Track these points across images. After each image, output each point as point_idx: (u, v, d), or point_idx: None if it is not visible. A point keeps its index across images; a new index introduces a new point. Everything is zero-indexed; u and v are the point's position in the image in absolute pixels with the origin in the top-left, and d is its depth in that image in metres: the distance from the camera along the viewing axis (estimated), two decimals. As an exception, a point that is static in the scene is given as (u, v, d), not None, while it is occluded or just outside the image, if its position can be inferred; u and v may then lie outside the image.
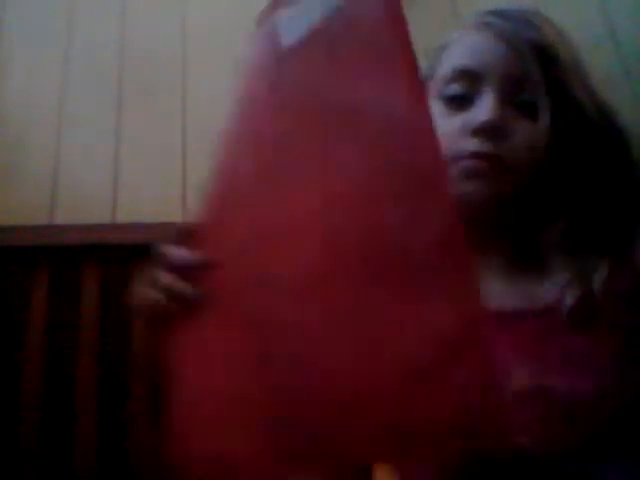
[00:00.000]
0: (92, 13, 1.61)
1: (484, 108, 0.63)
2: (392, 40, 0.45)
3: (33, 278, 1.35)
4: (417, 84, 0.42)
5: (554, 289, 0.60)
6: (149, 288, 0.55)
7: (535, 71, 0.63)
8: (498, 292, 0.61)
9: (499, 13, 0.69)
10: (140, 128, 1.51)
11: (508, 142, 0.62)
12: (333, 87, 0.41)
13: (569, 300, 0.58)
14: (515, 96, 0.64)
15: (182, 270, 0.53)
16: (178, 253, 0.54)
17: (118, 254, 1.38)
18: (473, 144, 0.62)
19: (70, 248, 1.37)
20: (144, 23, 1.62)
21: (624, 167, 0.65)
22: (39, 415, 1.25)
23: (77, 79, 1.54)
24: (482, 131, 0.62)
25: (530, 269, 0.64)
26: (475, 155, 0.62)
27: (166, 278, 0.54)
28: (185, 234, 0.55)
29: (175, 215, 1.42)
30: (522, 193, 0.64)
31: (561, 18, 1.82)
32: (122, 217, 1.41)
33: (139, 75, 1.56)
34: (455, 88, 0.66)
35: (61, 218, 1.40)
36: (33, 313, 1.32)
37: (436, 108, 0.67)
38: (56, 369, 1.28)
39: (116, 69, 1.55)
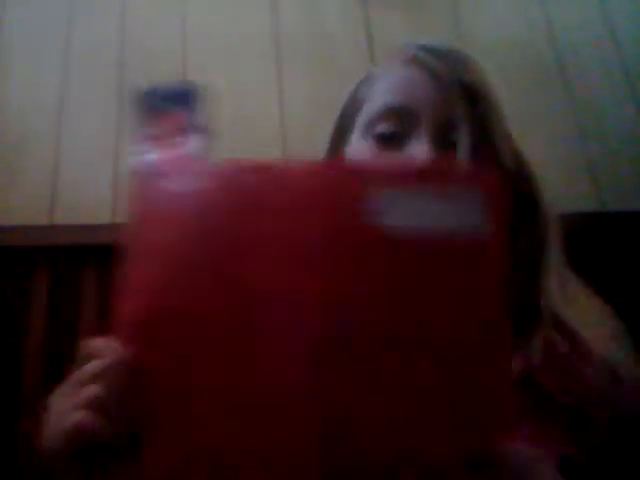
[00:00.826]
0: (92, 13, 1.61)
1: (419, 150, 0.61)
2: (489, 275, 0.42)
3: (33, 278, 1.35)
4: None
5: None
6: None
7: (461, 112, 0.62)
8: None
9: (429, 49, 0.68)
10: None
11: None
12: (415, 294, 0.42)
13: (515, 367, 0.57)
14: (445, 137, 0.62)
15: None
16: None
17: (118, 254, 1.37)
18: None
19: (70, 248, 1.37)
20: (144, 23, 1.62)
21: (532, 216, 0.65)
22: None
23: (77, 79, 1.54)
24: None
25: None
26: None
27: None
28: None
29: (175, 215, 1.42)
30: None
31: (561, 18, 1.83)
32: (122, 217, 1.41)
33: (139, 75, 1.56)
34: (386, 126, 0.64)
35: (61, 218, 1.40)
36: (33, 313, 1.32)
37: (364, 144, 0.66)
38: (56, 369, 1.28)
39: (116, 69, 1.55)
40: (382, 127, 0.65)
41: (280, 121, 1.55)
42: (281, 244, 0.43)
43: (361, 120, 0.68)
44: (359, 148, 0.66)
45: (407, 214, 0.42)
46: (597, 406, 0.56)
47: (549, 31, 1.69)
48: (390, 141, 0.64)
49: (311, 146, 1.56)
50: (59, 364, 1.37)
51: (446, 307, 0.41)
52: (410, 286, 0.41)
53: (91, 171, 1.46)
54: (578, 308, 0.63)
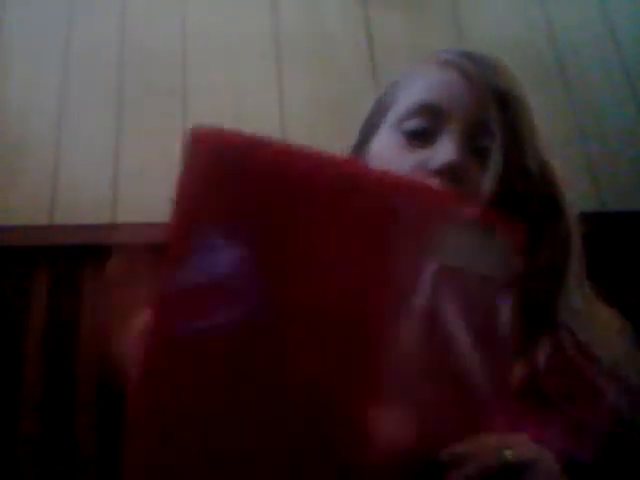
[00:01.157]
0: (92, 13, 1.61)
1: (447, 148, 0.61)
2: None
3: (33, 278, 1.35)
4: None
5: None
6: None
7: (494, 118, 0.63)
8: None
9: (464, 54, 0.68)
10: (140, 127, 1.51)
11: (464, 186, 0.61)
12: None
13: (513, 381, 0.58)
14: (473, 140, 0.63)
15: None
16: None
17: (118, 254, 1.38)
18: (432, 184, 0.60)
19: (70, 248, 1.37)
20: (144, 23, 1.62)
21: (555, 221, 0.66)
22: (39, 414, 1.25)
23: (77, 79, 1.54)
24: (443, 172, 0.61)
25: None
26: None
27: None
28: None
29: (175, 215, 1.42)
30: None
31: (561, 18, 1.83)
32: (122, 217, 1.41)
33: (139, 75, 1.56)
34: (417, 122, 0.64)
35: (61, 218, 1.40)
36: (33, 313, 1.32)
37: (392, 139, 0.66)
38: (56, 369, 1.28)
39: (116, 69, 1.55)
40: (413, 123, 0.65)
41: (280, 121, 1.55)
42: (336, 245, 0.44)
43: (391, 116, 0.68)
44: (387, 143, 0.67)
45: (456, 252, 0.46)
46: (601, 412, 0.57)
47: (549, 31, 1.69)
48: (419, 138, 0.64)
49: (311, 146, 1.56)
50: (59, 364, 1.39)
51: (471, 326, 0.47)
52: (436, 316, 0.46)
53: (91, 171, 1.46)
54: (595, 319, 0.64)
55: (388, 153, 0.66)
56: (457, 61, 0.67)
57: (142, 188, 1.45)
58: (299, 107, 1.57)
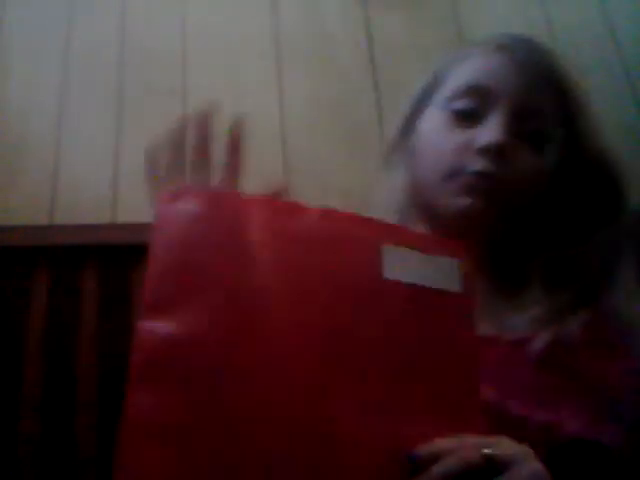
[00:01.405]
0: (92, 13, 1.61)
1: (493, 128, 0.61)
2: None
3: (33, 278, 1.35)
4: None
5: (528, 322, 0.59)
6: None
7: (549, 103, 0.63)
8: (482, 315, 0.61)
9: (519, 38, 0.68)
10: (140, 128, 1.51)
11: (509, 167, 0.61)
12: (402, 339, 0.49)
13: (540, 341, 0.57)
14: (524, 123, 0.62)
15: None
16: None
17: (118, 254, 1.38)
18: (477, 163, 0.61)
19: (70, 248, 1.37)
20: (144, 23, 1.62)
21: (614, 213, 0.65)
22: (39, 414, 1.25)
23: (77, 79, 1.54)
24: (488, 151, 0.61)
25: (508, 297, 0.63)
26: (478, 174, 0.61)
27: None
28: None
29: (175, 215, 1.42)
30: (515, 219, 0.63)
31: (561, 18, 1.83)
32: (122, 217, 1.41)
33: (139, 75, 1.56)
34: (465, 103, 0.65)
35: (61, 218, 1.40)
36: (33, 313, 1.32)
37: (440, 118, 0.66)
38: (56, 369, 1.28)
39: (116, 69, 1.55)
40: (461, 103, 0.65)
41: (280, 121, 1.55)
42: (289, 275, 0.47)
43: (439, 96, 0.68)
44: (434, 122, 0.67)
45: (403, 270, 0.50)
46: (634, 393, 0.56)
47: (549, 31, 1.69)
48: (466, 118, 0.64)
49: (311, 146, 1.57)
50: (59, 363, 1.39)
51: (426, 341, 0.49)
52: (398, 328, 0.49)
53: (91, 171, 1.46)
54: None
55: (435, 133, 0.66)
56: (509, 45, 0.66)
57: (142, 188, 1.44)
58: (299, 107, 1.57)
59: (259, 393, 0.44)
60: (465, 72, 0.67)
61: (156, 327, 0.45)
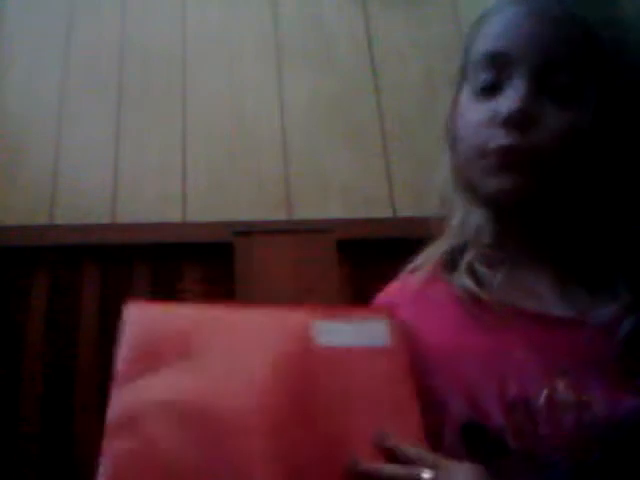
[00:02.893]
0: (92, 13, 1.61)
1: (511, 96, 0.58)
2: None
3: (33, 278, 1.35)
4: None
5: (613, 308, 0.56)
6: None
7: (578, 52, 0.57)
8: (554, 298, 0.59)
9: None
10: (140, 128, 1.51)
11: (538, 131, 0.57)
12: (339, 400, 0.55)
13: (627, 326, 0.56)
14: (552, 79, 0.57)
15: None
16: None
17: (118, 254, 1.38)
18: (500, 136, 0.58)
19: (70, 248, 1.38)
20: (144, 23, 1.62)
21: None
22: (39, 414, 1.25)
23: (77, 79, 1.54)
24: (509, 122, 0.57)
25: (591, 280, 0.59)
26: (501, 149, 0.58)
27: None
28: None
29: (175, 215, 1.43)
30: (563, 186, 0.59)
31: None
32: (122, 217, 1.41)
33: (139, 75, 1.56)
34: (485, 76, 0.61)
35: (61, 218, 1.40)
36: (33, 313, 1.32)
37: (468, 93, 0.63)
38: (56, 369, 1.28)
39: (116, 69, 1.55)
40: (482, 77, 0.62)
41: (280, 121, 1.55)
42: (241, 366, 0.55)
43: (469, 69, 0.65)
44: (464, 97, 0.64)
45: (334, 335, 0.58)
46: None
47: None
48: (490, 89, 0.61)
49: (311, 145, 1.57)
50: (59, 363, 1.39)
51: (365, 393, 0.56)
52: (336, 384, 0.56)
53: (91, 171, 1.46)
54: None
55: (466, 110, 0.63)
56: (505, 1, 0.62)
57: (142, 188, 1.45)
58: (299, 107, 1.57)
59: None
60: (483, 40, 0.63)
61: (122, 394, 0.53)
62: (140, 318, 0.59)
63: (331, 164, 1.52)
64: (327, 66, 1.63)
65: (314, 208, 1.48)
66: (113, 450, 0.51)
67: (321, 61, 1.63)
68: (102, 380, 1.33)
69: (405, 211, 1.47)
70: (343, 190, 1.50)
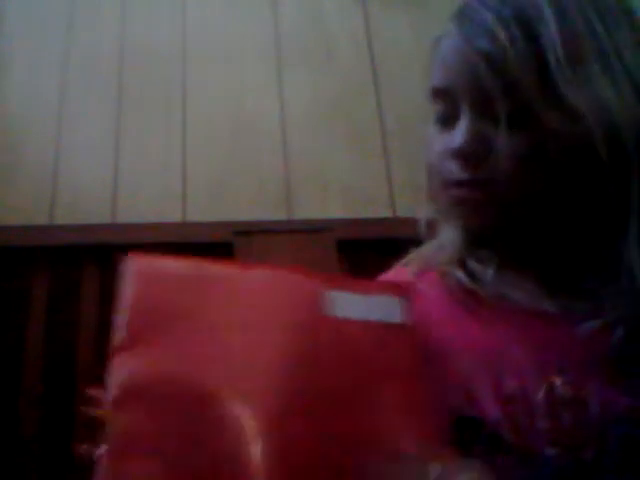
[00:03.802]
0: (92, 13, 1.61)
1: (459, 131, 0.58)
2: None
3: (33, 278, 1.35)
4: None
5: (599, 306, 0.56)
6: None
7: (510, 78, 0.55)
8: (542, 295, 0.59)
9: (457, 15, 0.63)
10: (140, 128, 1.51)
11: (491, 161, 0.56)
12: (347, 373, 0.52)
13: (620, 332, 0.55)
14: (493, 108, 0.56)
15: None
16: None
17: (118, 254, 1.38)
18: (457, 171, 0.58)
19: (70, 248, 1.38)
20: (144, 22, 1.62)
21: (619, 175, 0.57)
22: (39, 414, 1.25)
23: (77, 79, 1.54)
24: (458, 157, 0.58)
25: (570, 279, 0.60)
26: (458, 184, 0.58)
27: None
28: None
29: (175, 215, 1.43)
30: (525, 205, 0.58)
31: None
32: (122, 217, 1.41)
33: (139, 75, 1.56)
34: (438, 108, 0.61)
35: (61, 218, 1.40)
36: (33, 313, 1.32)
37: (433, 123, 0.65)
38: (56, 369, 1.28)
39: (116, 69, 1.55)
40: (436, 108, 0.62)
41: (280, 121, 1.55)
42: (249, 326, 0.52)
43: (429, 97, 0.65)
44: (432, 127, 0.64)
45: (348, 307, 0.55)
46: None
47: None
48: (444, 121, 0.61)
49: (311, 146, 1.57)
50: (59, 363, 1.38)
51: (375, 367, 0.53)
52: (349, 357, 0.53)
53: (91, 171, 1.46)
54: None
55: (432, 138, 0.64)
56: (450, 29, 0.63)
57: (142, 188, 1.45)
58: (299, 107, 1.57)
59: (225, 415, 0.48)
60: (433, 72, 0.63)
61: (125, 361, 0.50)
62: (141, 274, 0.56)
63: (331, 164, 1.52)
64: (327, 66, 1.63)
65: (314, 208, 1.48)
66: (117, 421, 0.48)
67: (321, 61, 1.63)
68: (102, 380, 1.33)
69: (405, 211, 1.48)
70: (343, 190, 1.50)
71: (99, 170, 1.46)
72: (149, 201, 1.43)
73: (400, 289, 0.58)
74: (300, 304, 0.54)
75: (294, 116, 1.56)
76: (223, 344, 0.50)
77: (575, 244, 0.60)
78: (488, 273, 0.61)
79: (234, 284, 0.55)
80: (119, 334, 0.50)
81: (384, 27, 1.68)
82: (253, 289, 0.54)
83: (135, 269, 0.57)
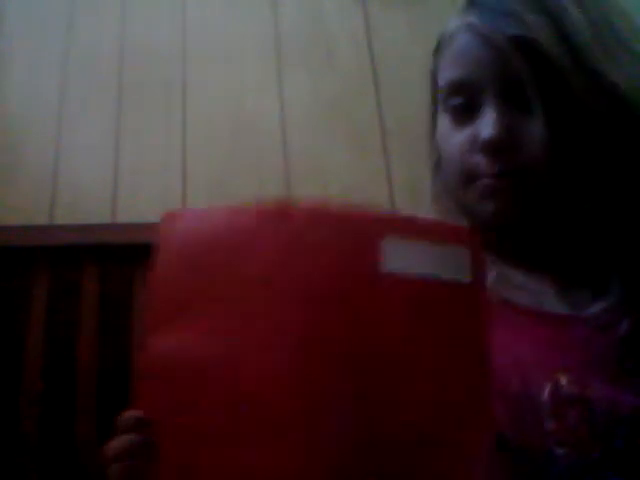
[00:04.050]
0: (92, 13, 1.61)
1: (487, 123, 0.58)
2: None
3: (33, 278, 1.35)
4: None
5: (604, 304, 0.57)
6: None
7: (524, 69, 0.56)
8: (552, 296, 0.59)
9: (478, 7, 0.63)
10: (140, 128, 1.51)
11: (521, 150, 0.57)
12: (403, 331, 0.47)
13: (625, 326, 0.55)
14: (519, 96, 0.57)
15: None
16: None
17: (118, 254, 1.38)
18: (485, 163, 0.58)
19: (70, 248, 1.37)
20: (144, 22, 1.62)
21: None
22: (39, 414, 1.25)
23: (77, 79, 1.54)
24: (489, 149, 0.58)
25: (585, 278, 0.60)
26: (491, 176, 0.58)
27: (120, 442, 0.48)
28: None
29: (175, 215, 1.42)
30: (553, 195, 0.59)
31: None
32: (122, 217, 1.41)
33: (139, 75, 1.56)
34: (457, 100, 0.61)
35: (61, 218, 1.40)
36: (33, 313, 1.32)
37: (444, 119, 0.63)
38: (56, 369, 1.28)
39: (116, 69, 1.55)
40: (454, 101, 0.62)
41: (280, 121, 1.55)
42: (284, 281, 0.47)
43: (440, 95, 0.65)
44: (441, 124, 0.64)
45: (406, 262, 0.47)
46: None
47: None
48: (463, 114, 0.61)
49: (311, 146, 1.57)
50: (59, 363, 1.38)
51: (433, 334, 0.47)
52: (404, 320, 0.46)
53: (91, 171, 1.46)
54: None
55: (445, 137, 0.63)
56: (471, 21, 0.62)
57: (142, 188, 1.45)
58: (299, 107, 1.57)
59: (251, 393, 0.46)
60: (446, 66, 0.64)
61: (159, 342, 0.48)
62: (177, 234, 0.49)
63: (331, 164, 1.52)
64: (327, 66, 1.62)
65: (314, 208, 1.48)
66: (146, 402, 0.49)
67: (321, 61, 1.63)
68: (102, 380, 1.34)
69: (405, 211, 1.47)
70: (343, 190, 1.50)
71: (99, 170, 1.46)
72: (149, 201, 1.43)
73: (472, 235, 0.49)
74: (350, 257, 0.46)
75: (294, 116, 1.56)
76: (259, 323, 0.46)
77: (592, 241, 0.60)
78: (490, 275, 0.61)
79: (278, 238, 0.48)
80: (153, 310, 0.48)
81: (384, 27, 1.68)
82: (299, 241, 0.47)
83: (170, 236, 0.50)
